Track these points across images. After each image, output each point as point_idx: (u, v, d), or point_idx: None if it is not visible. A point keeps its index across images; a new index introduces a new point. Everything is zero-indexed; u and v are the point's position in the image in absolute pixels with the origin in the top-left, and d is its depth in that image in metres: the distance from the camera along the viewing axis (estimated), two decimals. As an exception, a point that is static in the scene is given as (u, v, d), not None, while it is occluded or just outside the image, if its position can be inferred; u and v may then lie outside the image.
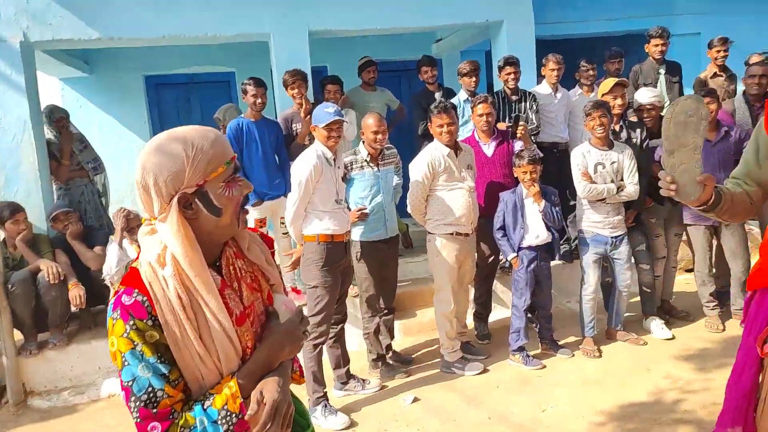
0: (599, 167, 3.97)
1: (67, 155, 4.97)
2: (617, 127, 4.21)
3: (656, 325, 4.22)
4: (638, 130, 4.24)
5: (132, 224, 4.08)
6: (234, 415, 1.14)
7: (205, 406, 1.14)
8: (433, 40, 7.38)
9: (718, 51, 5.36)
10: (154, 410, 1.11)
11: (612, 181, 3.95)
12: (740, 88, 5.20)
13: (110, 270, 3.97)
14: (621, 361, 3.86)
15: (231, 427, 1.13)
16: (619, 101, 4.10)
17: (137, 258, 1.22)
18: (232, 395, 1.15)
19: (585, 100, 4.71)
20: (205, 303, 1.18)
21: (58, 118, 5.00)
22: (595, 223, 4.03)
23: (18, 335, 4.08)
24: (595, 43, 7.08)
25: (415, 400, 3.61)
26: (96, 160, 5.18)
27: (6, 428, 3.71)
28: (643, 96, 4.24)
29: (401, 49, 7.15)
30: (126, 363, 1.12)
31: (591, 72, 5.10)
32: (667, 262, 4.40)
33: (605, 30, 7.28)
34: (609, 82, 4.12)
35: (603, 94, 4.15)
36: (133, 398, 1.12)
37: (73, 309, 4.35)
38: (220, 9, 4.81)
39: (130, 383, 1.12)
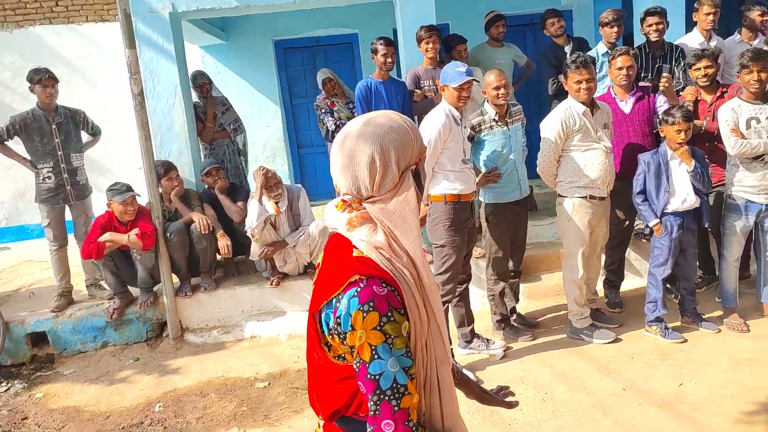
0: (753, 122, 3.55)
1: (211, 117, 5.38)
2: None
3: (822, 302, 3.76)
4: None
5: (270, 182, 4.35)
6: None
7: None
8: (562, -9, 6.92)
9: None
10: (396, 407, 1.08)
11: None
12: None
13: (251, 223, 4.29)
14: (778, 339, 3.52)
15: None
16: None
17: (347, 246, 1.17)
18: None
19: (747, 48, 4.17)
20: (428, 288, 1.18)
21: (201, 83, 5.40)
22: (748, 188, 3.63)
23: (174, 279, 4.57)
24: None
25: (505, 355, 3.67)
26: (237, 122, 5.56)
27: (168, 359, 4.23)
28: None
29: (526, 1, 6.79)
30: (376, 356, 1.08)
31: (761, 15, 4.46)
32: None
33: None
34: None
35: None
36: (378, 392, 1.08)
37: (218, 258, 4.79)
38: (348, -29, 4.86)
39: (377, 377, 1.08)
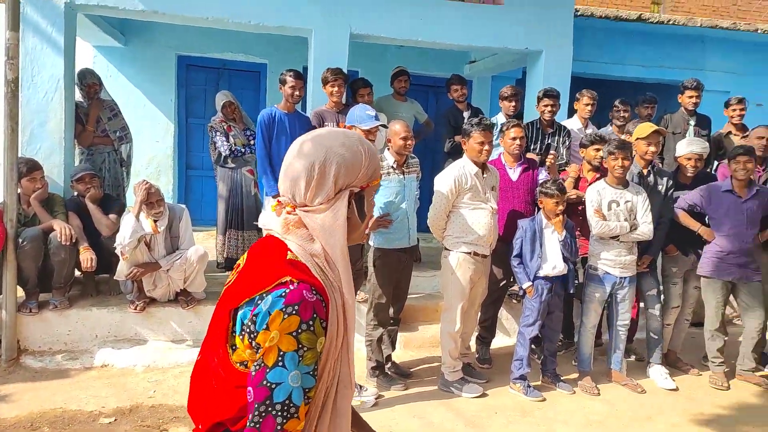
0: (613, 205, 3.97)
1: (93, 121, 4.95)
2: (645, 172, 4.22)
3: (660, 373, 4.18)
4: (665, 179, 4.25)
5: (152, 198, 4.04)
6: None
7: None
8: (466, 61, 7.43)
9: (734, 110, 5.40)
10: (279, 427, 1.01)
11: (625, 220, 3.95)
12: None
13: (123, 240, 3.92)
14: (624, 405, 3.82)
15: None
16: (652, 148, 4.11)
17: (281, 248, 1.14)
18: None
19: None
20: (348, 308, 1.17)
21: (90, 83, 4.99)
22: (607, 261, 4.02)
23: (20, 292, 4.02)
24: (625, 87, 7.13)
25: (376, 403, 3.64)
26: (124, 129, 5.16)
27: (-4, 384, 3.65)
28: (695, 146, 4.28)
29: (433, 65, 7.20)
30: (281, 363, 1.01)
31: (624, 113, 5.13)
32: (680, 313, 4.39)
33: (637, 75, 7.35)
34: (647, 128, 4.10)
35: (638, 138, 4.16)
36: (267, 402, 1.00)
37: (77, 274, 4.31)
38: (266, -1, 4.84)
39: (273, 386, 1.01)
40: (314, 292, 1.07)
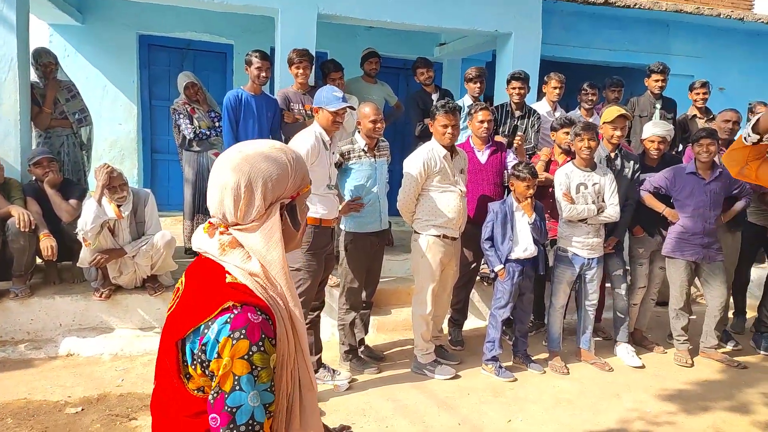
0: (581, 188, 4.03)
1: (50, 102, 4.74)
2: (612, 155, 4.27)
3: (626, 351, 4.28)
4: (632, 162, 4.31)
5: (114, 183, 3.91)
6: None
7: None
8: (436, 43, 7.39)
9: (698, 93, 5.51)
10: None
11: (593, 203, 4.01)
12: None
13: (85, 225, 3.79)
14: (592, 383, 3.90)
15: None
16: (618, 132, 4.15)
17: (219, 272, 1.12)
18: None
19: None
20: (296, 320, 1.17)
21: (46, 62, 4.77)
22: (575, 242, 4.08)
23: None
24: (592, 71, 7.20)
25: (350, 387, 3.63)
26: (83, 112, 4.97)
27: (-48, 377, 3.51)
28: (658, 128, 4.35)
29: (403, 47, 7.14)
30: (238, 387, 1.02)
31: (592, 96, 5.18)
32: (646, 293, 4.50)
33: (604, 59, 7.43)
34: (613, 112, 4.13)
35: (604, 122, 4.20)
36: (231, 426, 1.02)
37: (38, 261, 4.16)
38: (231, -24, 4.69)
39: (234, 410, 1.02)
40: (259, 312, 1.06)
